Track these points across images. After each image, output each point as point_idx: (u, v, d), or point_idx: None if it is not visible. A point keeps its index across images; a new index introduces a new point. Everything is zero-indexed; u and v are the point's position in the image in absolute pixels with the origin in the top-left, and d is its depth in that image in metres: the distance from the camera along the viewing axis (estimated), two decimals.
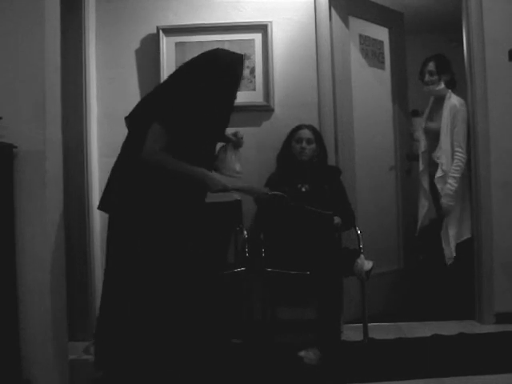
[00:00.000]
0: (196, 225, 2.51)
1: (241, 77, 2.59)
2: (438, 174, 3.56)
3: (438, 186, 3.57)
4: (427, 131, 3.84)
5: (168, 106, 2.41)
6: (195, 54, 3.51)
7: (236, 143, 2.79)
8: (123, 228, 2.44)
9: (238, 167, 2.74)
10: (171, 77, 2.58)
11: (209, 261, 2.57)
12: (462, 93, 3.70)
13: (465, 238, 3.56)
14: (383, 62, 4.03)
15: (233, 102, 2.59)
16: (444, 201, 3.52)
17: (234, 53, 2.63)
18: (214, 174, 2.53)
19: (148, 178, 2.39)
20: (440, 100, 3.73)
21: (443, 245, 3.57)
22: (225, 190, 2.49)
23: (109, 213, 2.55)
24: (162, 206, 2.41)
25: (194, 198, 2.51)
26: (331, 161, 3.48)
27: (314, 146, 3.27)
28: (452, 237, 3.54)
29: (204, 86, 2.43)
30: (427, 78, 3.72)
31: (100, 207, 2.58)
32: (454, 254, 3.52)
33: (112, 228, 2.52)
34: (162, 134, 2.37)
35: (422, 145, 3.86)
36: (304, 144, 3.24)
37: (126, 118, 2.60)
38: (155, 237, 2.39)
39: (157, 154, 2.36)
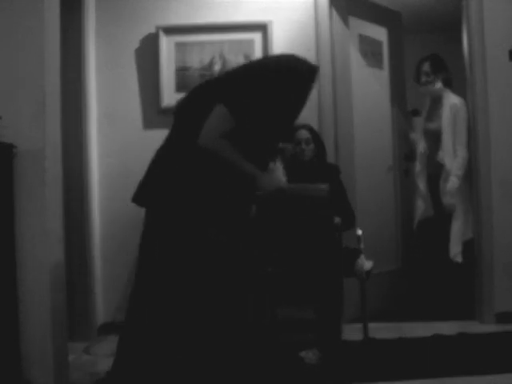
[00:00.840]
0: (235, 223, 2.32)
1: (304, 92, 2.33)
2: (444, 176, 3.57)
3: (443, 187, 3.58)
4: (426, 132, 3.84)
5: (238, 90, 2.21)
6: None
7: (286, 155, 2.76)
8: (166, 222, 2.24)
9: (285, 179, 2.73)
10: (238, 68, 2.41)
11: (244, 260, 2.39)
12: (459, 92, 3.71)
13: (467, 237, 3.56)
14: (382, 62, 4.04)
15: (291, 116, 2.37)
16: (446, 198, 3.53)
17: (307, 65, 2.36)
18: (270, 175, 2.37)
19: (200, 168, 2.18)
20: (437, 100, 3.73)
21: (450, 243, 3.58)
22: (280, 191, 2.34)
23: (148, 206, 2.32)
24: (208, 199, 2.21)
25: (240, 196, 2.33)
26: (331, 160, 3.47)
27: (312, 145, 3.26)
28: (457, 236, 3.55)
29: (265, 90, 2.23)
30: (424, 78, 3.72)
31: (135, 200, 2.33)
32: (459, 250, 3.53)
33: (152, 223, 2.29)
34: (227, 119, 2.15)
35: (421, 146, 3.87)
36: (303, 145, 3.24)
37: (179, 102, 2.40)
38: (197, 233, 2.21)
39: (217, 141, 2.13)
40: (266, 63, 2.40)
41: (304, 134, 3.26)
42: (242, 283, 2.31)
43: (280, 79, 2.27)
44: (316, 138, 3.30)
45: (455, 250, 3.55)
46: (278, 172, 2.73)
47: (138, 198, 2.34)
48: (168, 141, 2.35)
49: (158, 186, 2.28)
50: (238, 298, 2.29)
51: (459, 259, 3.55)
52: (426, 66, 3.71)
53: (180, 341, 2.22)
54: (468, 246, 3.59)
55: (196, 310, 2.22)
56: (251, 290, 2.38)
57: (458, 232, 3.57)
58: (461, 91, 3.68)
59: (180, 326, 2.21)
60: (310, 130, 3.30)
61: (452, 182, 3.50)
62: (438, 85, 3.69)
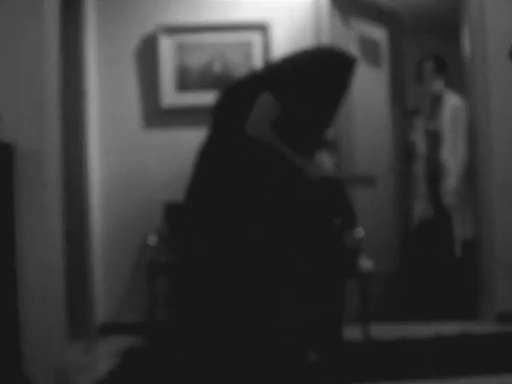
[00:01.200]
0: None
1: (344, 82, 2.33)
2: (446, 175, 3.57)
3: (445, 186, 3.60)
4: (427, 132, 3.84)
5: (281, 78, 2.19)
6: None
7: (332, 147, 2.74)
8: (210, 218, 2.18)
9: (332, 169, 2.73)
10: (279, 60, 2.38)
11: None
12: (458, 92, 3.71)
13: (467, 236, 3.57)
14: (382, 62, 4.04)
15: (334, 106, 2.35)
16: (447, 197, 3.53)
17: (347, 57, 2.37)
18: (317, 165, 2.35)
19: (246, 161, 2.14)
20: (438, 100, 3.74)
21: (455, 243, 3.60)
22: (328, 181, 2.32)
23: (201, 207, 2.24)
24: (252, 194, 2.16)
25: (285, 188, 2.28)
26: None
27: None
28: (459, 235, 3.56)
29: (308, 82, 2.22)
30: (427, 77, 3.72)
31: (189, 204, 2.26)
32: (460, 248, 3.54)
33: (197, 220, 2.22)
34: (273, 106, 2.11)
35: (422, 147, 3.87)
36: None
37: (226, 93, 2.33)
38: (239, 229, 2.16)
39: (265, 130, 2.10)
40: (308, 53, 2.38)
41: None
42: (280, 280, 2.27)
43: (321, 69, 2.26)
44: None
45: (458, 249, 3.57)
46: (325, 162, 2.70)
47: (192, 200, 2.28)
48: (210, 139, 2.31)
49: (204, 183, 2.23)
50: (275, 296, 2.26)
51: (459, 254, 3.57)
52: (430, 65, 3.71)
53: (219, 334, 2.21)
54: (468, 246, 3.59)
55: (235, 306, 2.20)
56: (288, 287, 2.35)
57: (459, 231, 3.57)
58: (460, 91, 3.68)
59: (220, 319, 2.20)
60: None
61: (453, 182, 3.50)
62: (441, 84, 3.69)
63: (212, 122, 2.34)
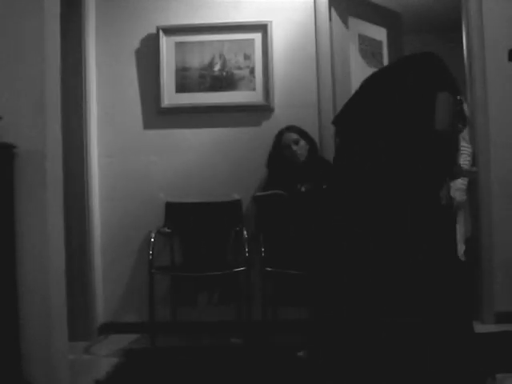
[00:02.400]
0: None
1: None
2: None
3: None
4: None
5: (451, 79, 2.29)
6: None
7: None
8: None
9: None
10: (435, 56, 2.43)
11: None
12: None
13: (467, 235, 3.57)
14: (381, 62, 4.04)
15: None
16: (456, 195, 3.51)
17: None
18: None
19: (441, 154, 2.22)
20: None
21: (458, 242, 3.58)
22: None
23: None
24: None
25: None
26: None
27: (303, 142, 3.27)
28: (462, 234, 3.55)
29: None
30: None
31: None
32: (464, 249, 3.53)
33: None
34: (454, 107, 2.22)
35: None
36: (294, 147, 3.25)
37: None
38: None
39: (452, 132, 2.22)
40: (437, 56, 2.43)
41: (291, 135, 3.28)
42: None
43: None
44: (304, 135, 3.31)
45: (461, 249, 3.56)
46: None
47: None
48: (382, 136, 2.34)
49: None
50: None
51: (463, 258, 3.56)
52: None
53: None
54: (467, 245, 3.58)
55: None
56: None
57: (462, 230, 3.57)
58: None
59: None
60: (296, 129, 3.31)
61: (463, 179, 3.48)
62: None
63: (362, 96, 2.41)
